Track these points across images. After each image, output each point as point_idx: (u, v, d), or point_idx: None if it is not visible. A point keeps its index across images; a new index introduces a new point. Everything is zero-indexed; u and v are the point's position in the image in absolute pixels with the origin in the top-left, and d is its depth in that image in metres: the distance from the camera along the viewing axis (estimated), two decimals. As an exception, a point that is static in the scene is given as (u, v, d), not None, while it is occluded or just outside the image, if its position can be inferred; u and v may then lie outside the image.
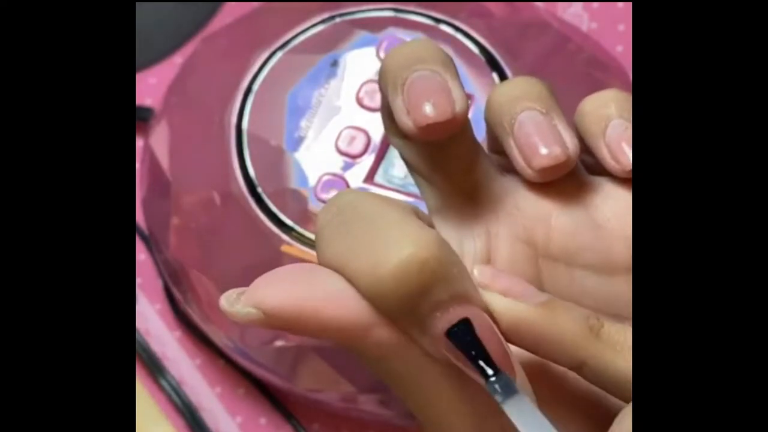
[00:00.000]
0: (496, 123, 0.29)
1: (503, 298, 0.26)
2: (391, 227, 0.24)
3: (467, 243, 0.29)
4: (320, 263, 0.25)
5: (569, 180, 0.29)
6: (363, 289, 0.24)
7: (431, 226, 0.29)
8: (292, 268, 0.25)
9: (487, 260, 0.29)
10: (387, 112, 0.29)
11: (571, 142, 0.28)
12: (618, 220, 0.28)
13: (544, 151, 0.28)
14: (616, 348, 0.25)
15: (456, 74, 0.28)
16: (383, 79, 0.28)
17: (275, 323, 0.24)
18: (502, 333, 0.25)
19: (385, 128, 0.30)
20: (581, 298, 0.29)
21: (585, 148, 0.29)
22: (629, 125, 0.28)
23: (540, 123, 0.28)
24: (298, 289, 0.24)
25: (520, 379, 0.24)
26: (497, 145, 0.30)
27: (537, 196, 0.29)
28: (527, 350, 0.26)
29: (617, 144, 0.28)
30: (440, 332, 0.24)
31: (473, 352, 0.24)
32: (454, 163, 0.29)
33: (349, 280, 0.24)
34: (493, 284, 0.26)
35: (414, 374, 0.25)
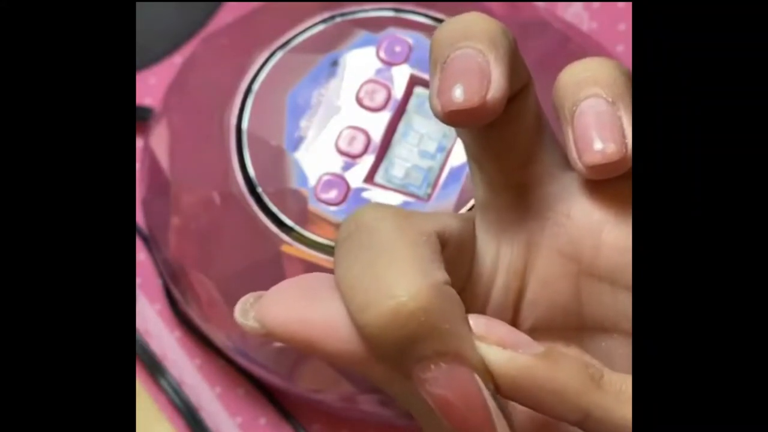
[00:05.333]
0: (560, 108, 0.27)
1: (501, 350, 0.24)
2: (390, 268, 0.23)
3: (504, 250, 0.28)
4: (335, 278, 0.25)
5: (630, 184, 0.27)
6: (355, 326, 0.24)
7: (459, 238, 0.27)
8: (300, 283, 0.25)
9: (522, 272, 0.28)
10: None
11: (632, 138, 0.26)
12: None
13: (598, 146, 0.25)
14: (619, 397, 0.24)
15: (503, 54, 0.25)
16: (429, 56, 0.26)
17: (278, 340, 0.24)
18: (502, 387, 0.24)
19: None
20: (622, 319, 0.27)
21: None
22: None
23: (602, 114, 0.26)
24: (299, 312, 0.24)
25: None
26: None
27: (592, 204, 0.27)
28: (529, 407, 0.25)
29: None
30: (422, 387, 0.23)
31: None
32: (510, 154, 0.27)
33: (348, 312, 0.24)
34: (489, 335, 0.24)
35: (412, 400, 0.25)
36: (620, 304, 0.27)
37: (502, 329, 0.25)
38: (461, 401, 0.23)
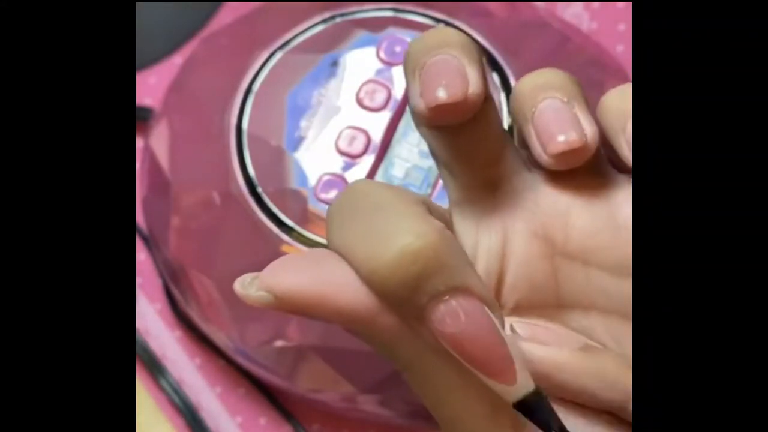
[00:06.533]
0: (518, 113, 0.29)
1: (546, 347, 0.27)
2: (392, 217, 0.24)
3: (483, 238, 0.29)
4: (329, 248, 0.26)
5: (592, 176, 0.29)
6: (363, 278, 0.25)
7: (444, 218, 0.29)
8: (304, 255, 0.26)
9: (502, 256, 0.29)
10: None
11: (590, 130, 0.28)
12: None
13: (561, 137, 0.28)
14: None
15: (476, 59, 0.27)
16: (404, 67, 0.28)
17: (285, 307, 0.25)
18: (550, 381, 0.26)
19: (412, 118, 0.30)
20: (597, 297, 0.29)
21: (612, 143, 0.29)
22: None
23: (559, 110, 0.28)
24: (307, 275, 0.25)
25: (523, 381, 0.24)
26: (523, 140, 0.30)
27: (558, 193, 0.29)
28: (570, 396, 0.27)
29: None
30: (437, 325, 0.24)
31: (549, 425, 0.24)
32: (479, 155, 0.29)
33: (352, 268, 0.25)
34: (533, 336, 0.27)
35: (420, 363, 0.25)
36: (593, 282, 0.29)
37: (544, 332, 0.27)
38: (477, 334, 0.24)
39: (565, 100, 0.28)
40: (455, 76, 0.27)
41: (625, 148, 0.28)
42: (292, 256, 0.26)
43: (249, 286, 0.25)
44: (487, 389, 0.25)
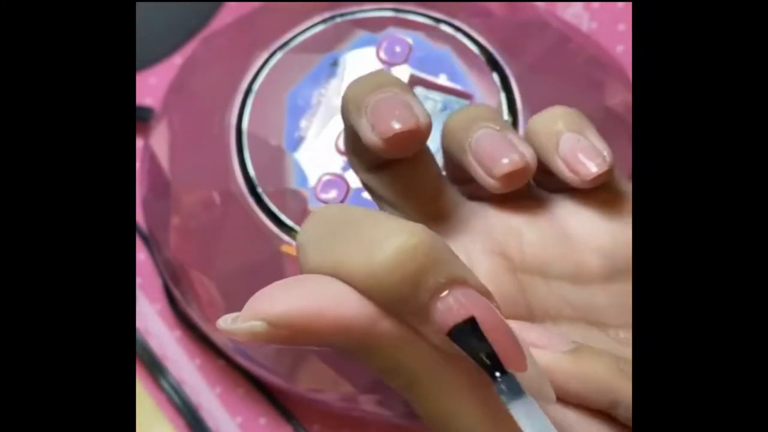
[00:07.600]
0: (454, 146, 0.31)
1: (533, 349, 0.27)
2: (377, 223, 0.24)
3: None
4: (307, 272, 0.25)
5: (533, 199, 0.31)
6: (360, 285, 0.24)
7: None
8: (288, 280, 0.25)
9: None
10: (352, 145, 0.31)
11: (528, 152, 0.30)
12: (584, 233, 0.30)
13: (504, 160, 0.29)
14: None
15: (415, 97, 0.29)
16: (346, 109, 0.30)
17: (280, 333, 0.24)
18: None
19: (351, 164, 0.31)
20: (562, 307, 0.30)
21: (542, 168, 0.30)
22: (580, 137, 0.30)
23: (496, 137, 0.30)
24: (299, 295, 0.24)
25: (532, 369, 0.24)
26: (458, 174, 0.31)
27: (505, 215, 0.31)
28: (560, 397, 0.27)
29: (573, 155, 0.30)
30: (441, 319, 0.24)
31: (479, 352, 0.24)
32: (421, 191, 0.31)
33: (345, 280, 0.24)
34: (523, 337, 0.27)
35: (423, 369, 0.25)
36: (555, 293, 0.30)
37: (534, 331, 0.28)
38: (485, 323, 0.24)
39: (498, 128, 0.30)
40: (405, 109, 0.28)
41: (560, 164, 0.30)
42: (276, 284, 0.25)
43: (236, 321, 0.24)
44: (491, 396, 0.25)
